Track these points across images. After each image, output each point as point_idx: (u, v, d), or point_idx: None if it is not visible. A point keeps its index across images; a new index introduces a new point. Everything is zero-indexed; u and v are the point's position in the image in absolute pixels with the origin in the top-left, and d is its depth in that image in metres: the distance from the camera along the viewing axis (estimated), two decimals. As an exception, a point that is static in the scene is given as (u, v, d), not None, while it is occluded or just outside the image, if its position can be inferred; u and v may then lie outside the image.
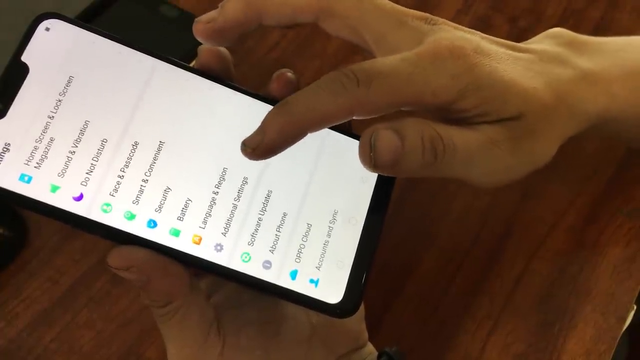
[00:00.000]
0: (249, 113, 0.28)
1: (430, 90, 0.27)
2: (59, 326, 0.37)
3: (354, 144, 0.28)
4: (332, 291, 0.27)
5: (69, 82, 0.27)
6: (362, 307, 0.31)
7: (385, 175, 0.28)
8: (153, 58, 0.28)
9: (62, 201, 0.25)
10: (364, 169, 0.27)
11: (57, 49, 0.27)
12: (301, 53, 0.47)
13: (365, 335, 0.32)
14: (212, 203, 0.27)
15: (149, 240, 0.26)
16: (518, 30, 0.49)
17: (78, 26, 0.27)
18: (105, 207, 0.26)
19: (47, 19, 0.27)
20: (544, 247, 0.40)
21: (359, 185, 0.29)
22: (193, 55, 0.31)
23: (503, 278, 0.39)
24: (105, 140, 0.26)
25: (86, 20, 0.43)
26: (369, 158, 0.26)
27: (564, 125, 0.30)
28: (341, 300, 0.27)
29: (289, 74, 0.28)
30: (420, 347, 0.36)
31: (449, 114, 0.28)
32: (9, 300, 0.37)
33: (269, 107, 0.26)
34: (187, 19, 0.44)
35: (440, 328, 0.37)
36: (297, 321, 0.30)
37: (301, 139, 0.26)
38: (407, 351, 0.32)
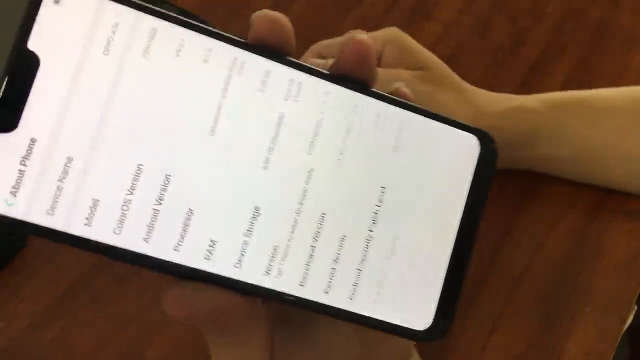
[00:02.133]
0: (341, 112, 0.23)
1: None
2: (59, 326, 0.37)
3: (438, 127, 0.24)
4: (421, 315, 0.23)
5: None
6: None
7: (485, 161, 0.24)
8: (230, 45, 0.22)
9: (159, 251, 0.21)
10: (454, 158, 0.23)
11: (76, 27, 0.21)
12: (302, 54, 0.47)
13: (412, 345, 0.31)
14: (290, 241, 0.22)
15: (225, 278, 0.22)
16: (519, 30, 0.49)
17: None
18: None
19: None
20: (544, 247, 0.40)
21: (447, 182, 0.24)
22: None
23: (503, 278, 0.39)
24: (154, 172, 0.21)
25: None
26: None
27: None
28: (431, 325, 0.23)
29: (362, 38, 0.23)
30: (420, 348, 0.36)
31: None
32: (9, 300, 0.37)
33: (355, 96, 0.22)
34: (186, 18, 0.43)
35: (440, 328, 0.37)
36: (348, 339, 0.28)
37: None
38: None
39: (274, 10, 0.22)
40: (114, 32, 0.21)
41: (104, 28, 0.21)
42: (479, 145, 0.24)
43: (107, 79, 0.21)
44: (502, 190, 0.40)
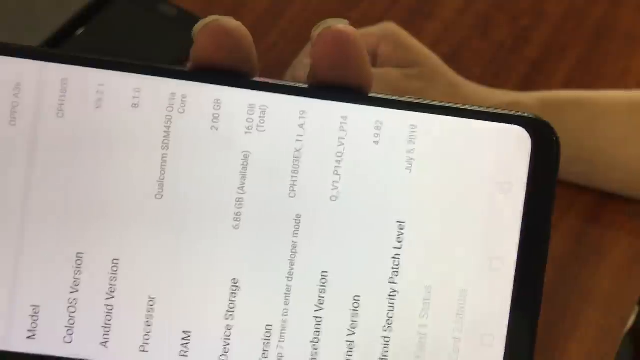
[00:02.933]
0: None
1: None
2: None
3: (465, 125, 0.17)
4: None
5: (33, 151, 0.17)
6: None
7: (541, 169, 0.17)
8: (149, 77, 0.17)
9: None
10: (495, 164, 0.17)
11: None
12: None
13: None
14: (286, 315, 0.17)
15: None
16: (520, 29, 0.48)
17: (9, 54, 0.17)
18: None
19: None
20: (545, 248, 0.39)
21: (497, 198, 0.17)
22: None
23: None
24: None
25: (84, 20, 0.42)
26: None
27: None
28: None
29: (339, 28, 0.17)
30: None
31: None
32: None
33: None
34: (187, 18, 0.43)
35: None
36: None
37: None
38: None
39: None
40: (16, 95, 0.17)
41: (5, 93, 0.17)
42: (531, 140, 0.17)
43: (20, 152, 0.17)
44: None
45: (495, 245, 0.17)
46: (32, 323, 0.17)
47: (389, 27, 0.41)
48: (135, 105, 0.17)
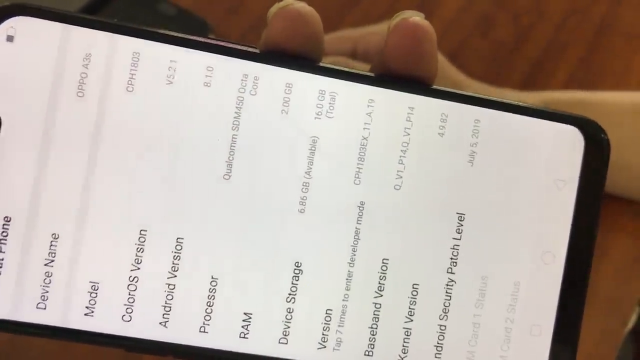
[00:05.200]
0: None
1: None
2: (57, 327, 0.37)
3: (523, 123, 0.18)
4: None
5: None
6: None
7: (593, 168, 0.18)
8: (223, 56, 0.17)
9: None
10: (551, 162, 0.18)
11: (39, 68, 0.16)
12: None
13: None
14: (346, 301, 0.17)
15: None
16: (521, 28, 0.48)
17: (61, 21, 0.16)
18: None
19: (4, 19, 0.16)
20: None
21: (552, 194, 0.18)
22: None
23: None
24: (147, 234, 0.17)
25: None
26: None
27: None
28: None
29: (416, 21, 0.17)
30: None
31: None
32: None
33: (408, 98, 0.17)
34: (186, 17, 0.43)
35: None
36: None
37: None
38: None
39: (269, 7, 0.20)
40: (86, 67, 0.16)
41: (74, 63, 0.16)
42: (584, 139, 0.18)
43: (86, 127, 0.16)
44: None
45: (548, 239, 0.18)
46: (90, 300, 0.16)
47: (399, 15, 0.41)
48: (207, 84, 0.17)
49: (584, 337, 0.37)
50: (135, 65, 0.17)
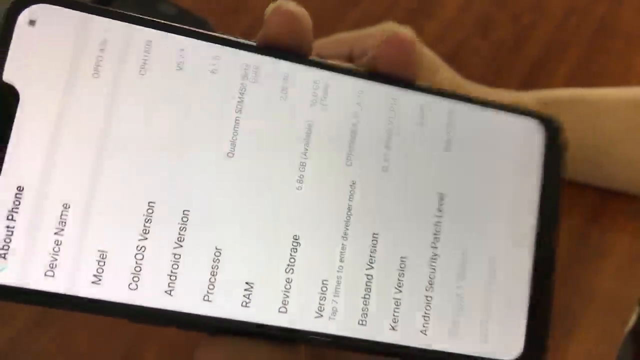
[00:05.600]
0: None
1: None
2: (57, 326, 0.37)
3: (493, 116, 0.20)
4: (509, 343, 0.20)
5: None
6: None
7: (552, 155, 0.21)
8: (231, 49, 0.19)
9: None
10: (516, 150, 0.20)
11: (57, 50, 0.17)
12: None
13: None
14: (341, 272, 0.19)
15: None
16: (521, 28, 0.48)
17: (81, 10, 0.18)
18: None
19: (27, 5, 0.17)
20: (546, 248, 0.39)
21: (513, 179, 0.20)
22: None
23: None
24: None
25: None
26: None
27: None
28: (523, 353, 0.20)
29: (405, 35, 0.20)
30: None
31: None
32: (7, 300, 0.37)
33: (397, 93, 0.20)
34: (186, 17, 0.43)
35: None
36: None
37: None
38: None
39: (267, 7, 0.20)
40: (102, 50, 0.18)
41: (91, 47, 0.18)
42: (544, 132, 0.21)
43: (100, 105, 0.17)
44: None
45: (518, 218, 0.20)
46: (98, 268, 0.17)
47: (389, 27, 0.41)
48: (213, 71, 0.18)
49: (584, 336, 0.37)
50: (148, 52, 0.18)
